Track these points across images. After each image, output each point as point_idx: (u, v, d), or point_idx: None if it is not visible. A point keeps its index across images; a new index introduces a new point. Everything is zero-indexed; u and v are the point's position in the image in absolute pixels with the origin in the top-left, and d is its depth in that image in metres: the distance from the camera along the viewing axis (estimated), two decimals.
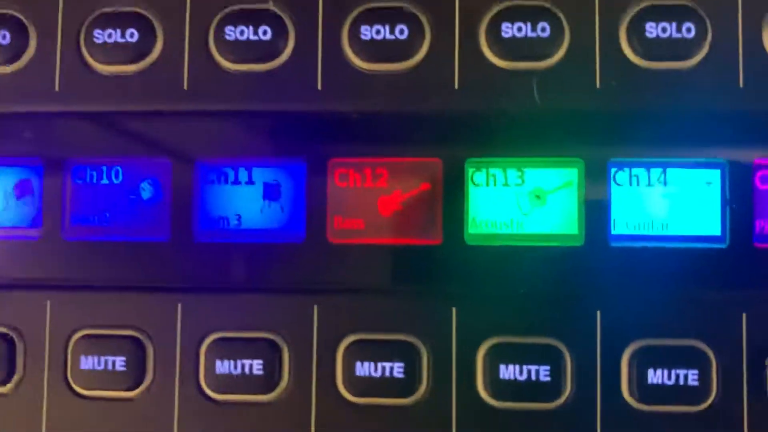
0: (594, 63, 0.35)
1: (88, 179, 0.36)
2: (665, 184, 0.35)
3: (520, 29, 0.35)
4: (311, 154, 0.35)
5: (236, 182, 0.36)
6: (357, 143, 0.36)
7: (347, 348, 0.35)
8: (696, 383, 0.34)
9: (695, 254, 0.34)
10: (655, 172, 0.35)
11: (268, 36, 0.36)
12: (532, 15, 0.35)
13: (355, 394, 0.35)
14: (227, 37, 0.36)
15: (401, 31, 0.35)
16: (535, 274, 0.35)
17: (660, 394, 0.34)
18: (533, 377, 0.34)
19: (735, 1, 0.35)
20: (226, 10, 0.36)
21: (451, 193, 0.35)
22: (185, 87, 0.36)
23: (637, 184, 0.35)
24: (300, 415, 0.35)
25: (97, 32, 0.36)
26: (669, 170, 0.35)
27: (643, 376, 0.34)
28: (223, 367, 0.35)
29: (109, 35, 0.36)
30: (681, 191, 0.35)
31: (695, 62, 0.34)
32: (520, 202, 0.35)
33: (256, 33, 0.36)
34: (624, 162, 0.35)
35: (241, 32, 0.36)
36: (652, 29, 0.34)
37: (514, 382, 0.34)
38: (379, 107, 0.35)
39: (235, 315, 0.35)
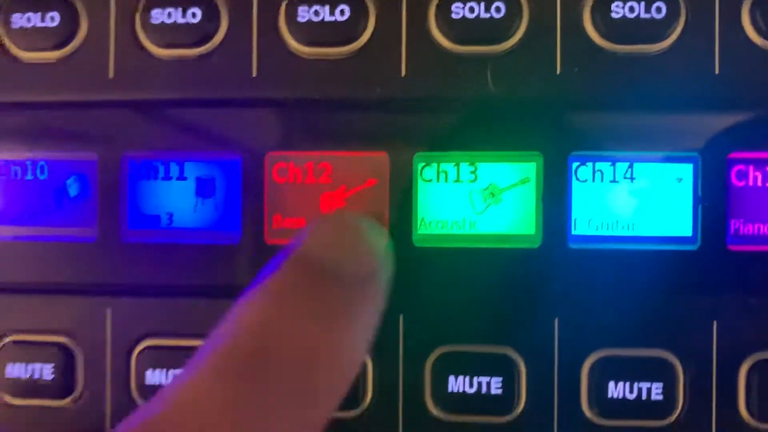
0: (554, 46, 0.32)
1: (12, 175, 0.34)
2: (632, 180, 0.32)
3: (472, 9, 0.32)
4: (246, 147, 0.33)
5: (167, 178, 0.33)
6: (296, 135, 0.33)
7: None
8: (660, 397, 0.31)
9: (663, 257, 0.31)
10: (621, 167, 0.32)
11: (198, 19, 0.33)
12: None
13: None
14: (153, 21, 0.33)
15: (342, 12, 0.32)
16: (487, 277, 0.32)
17: (621, 408, 0.31)
18: (483, 389, 0.32)
19: None
20: None
21: (399, 191, 0.32)
22: (111, 75, 0.33)
23: (601, 180, 0.32)
24: None
25: (15, 16, 0.33)
26: (636, 165, 0.32)
27: (604, 389, 0.32)
28: (154, 376, 0.33)
29: (28, 19, 0.33)
30: (649, 188, 0.32)
31: (666, 45, 0.31)
32: (473, 199, 0.33)
33: (184, 15, 0.33)
34: (587, 156, 0.32)
35: (169, 15, 0.33)
36: (618, 8, 0.31)
37: (462, 395, 0.32)
38: (319, 95, 0.33)
39: (166, 320, 0.33)
